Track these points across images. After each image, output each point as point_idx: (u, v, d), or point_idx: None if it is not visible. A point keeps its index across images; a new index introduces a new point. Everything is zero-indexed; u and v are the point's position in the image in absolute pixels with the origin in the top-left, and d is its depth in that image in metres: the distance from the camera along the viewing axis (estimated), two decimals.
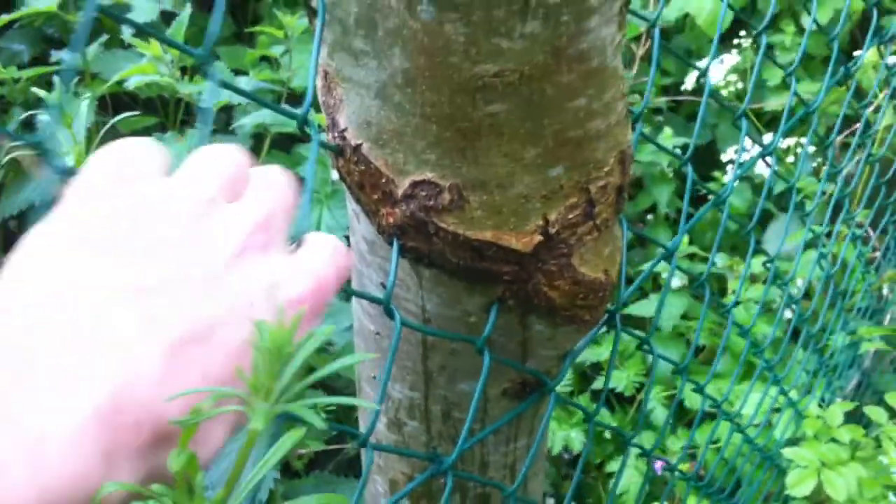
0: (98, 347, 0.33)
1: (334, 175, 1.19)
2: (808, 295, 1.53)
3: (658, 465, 1.42)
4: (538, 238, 0.56)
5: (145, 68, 1.17)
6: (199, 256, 0.38)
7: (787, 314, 1.54)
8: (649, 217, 2.05)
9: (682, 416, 1.64)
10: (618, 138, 0.58)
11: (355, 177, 0.55)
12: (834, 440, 1.39)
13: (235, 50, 1.65)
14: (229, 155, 0.45)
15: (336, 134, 0.55)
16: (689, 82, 1.77)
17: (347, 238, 1.21)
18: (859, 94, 1.55)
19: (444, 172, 0.53)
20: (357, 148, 0.54)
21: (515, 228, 0.55)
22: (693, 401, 1.45)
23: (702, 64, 1.55)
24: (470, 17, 0.49)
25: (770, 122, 2.06)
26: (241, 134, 1.46)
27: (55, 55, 1.52)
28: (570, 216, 0.57)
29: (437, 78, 0.51)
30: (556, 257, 0.58)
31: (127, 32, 1.43)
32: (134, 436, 0.32)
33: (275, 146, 1.53)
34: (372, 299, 0.57)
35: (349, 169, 0.55)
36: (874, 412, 1.43)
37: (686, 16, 1.91)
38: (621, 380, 1.57)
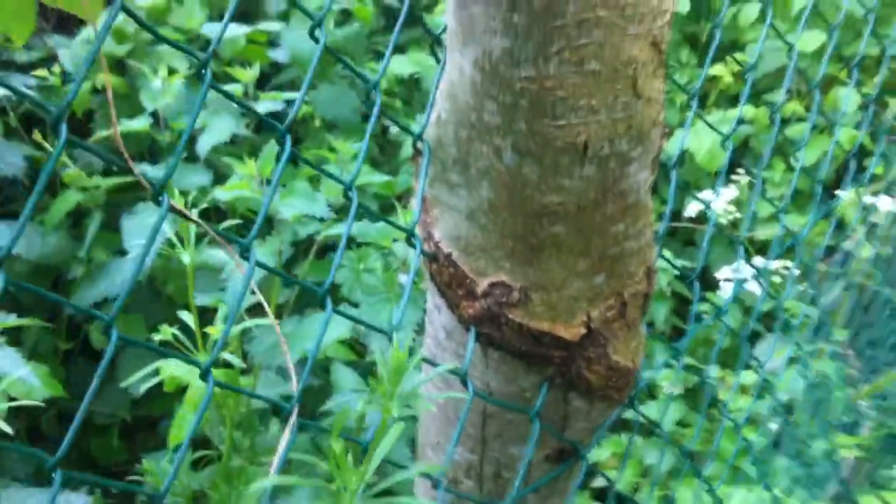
0: None
1: (402, 278, 1.36)
2: (791, 408, 1.67)
3: None
4: (583, 330, 0.72)
5: (240, 185, 1.35)
6: None
7: (773, 425, 1.68)
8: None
9: None
10: (646, 256, 0.75)
11: (445, 277, 0.72)
12: None
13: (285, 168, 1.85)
14: None
15: (432, 244, 0.72)
16: (690, 211, 1.96)
17: (416, 332, 1.37)
18: (841, 226, 1.74)
19: (514, 276, 0.70)
20: (448, 255, 0.71)
21: (566, 322, 0.72)
22: (684, 500, 1.58)
23: (702, 195, 1.75)
24: (542, 162, 0.66)
25: (760, 248, 2.24)
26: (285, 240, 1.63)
27: (139, 168, 1.70)
28: (608, 314, 0.73)
29: (514, 206, 0.68)
30: (595, 346, 0.73)
31: (203, 150, 1.64)
32: None
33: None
34: (453, 372, 0.73)
35: (440, 271, 0.72)
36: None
37: (685, 151, 2.13)
38: (620, 480, 1.70)
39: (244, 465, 1.22)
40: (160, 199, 0.50)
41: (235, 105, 1.75)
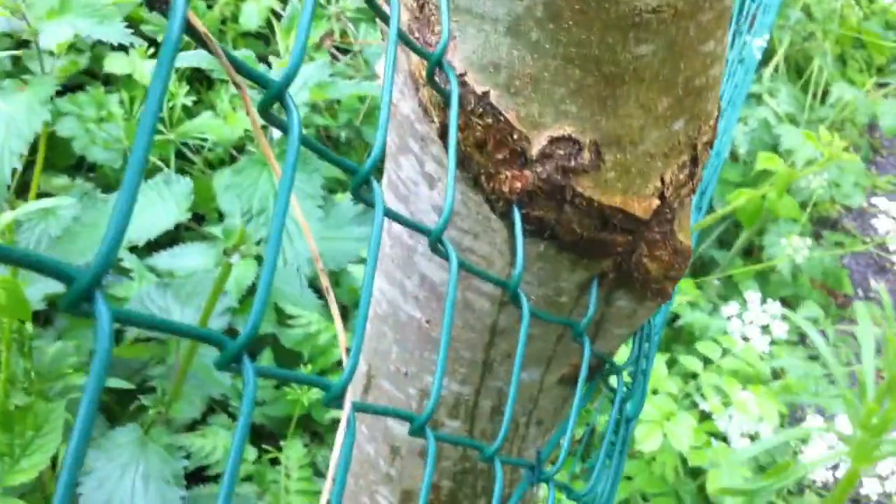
0: None
1: (275, 134, 1.01)
2: None
3: None
4: (656, 202, 0.49)
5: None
6: None
7: None
8: None
9: None
10: (718, 90, 0.52)
11: (476, 132, 0.45)
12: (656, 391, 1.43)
13: None
14: None
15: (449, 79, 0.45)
16: None
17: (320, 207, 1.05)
18: None
19: (583, 126, 0.45)
20: (483, 96, 0.44)
21: (638, 192, 0.48)
22: None
23: None
24: None
25: None
26: None
27: None
28: (681, 176, 0.51)
29: (588, 12, 0.43)
30: (661, 224, 0.51)
31: None
32: None
33: None
34: (498, 282, 0.47)
35: (469, 122, 0.45)
36: (688, 360, 1.51)
37: None
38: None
39: (31, 401, 0.88)
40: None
41: None
